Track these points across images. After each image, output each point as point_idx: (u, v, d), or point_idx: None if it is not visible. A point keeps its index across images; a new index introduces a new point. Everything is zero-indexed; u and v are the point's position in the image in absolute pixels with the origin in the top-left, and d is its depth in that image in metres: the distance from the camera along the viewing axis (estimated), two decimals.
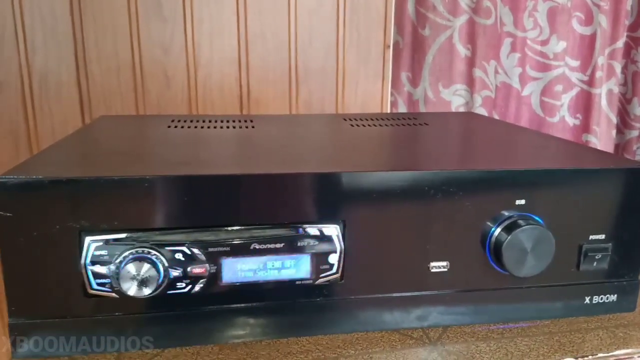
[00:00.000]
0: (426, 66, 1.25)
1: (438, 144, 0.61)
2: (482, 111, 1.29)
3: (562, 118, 1.40)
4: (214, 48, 1.10)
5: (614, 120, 1.42)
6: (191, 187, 0.39)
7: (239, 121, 0.67)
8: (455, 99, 1.28)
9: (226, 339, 0.42)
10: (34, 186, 0.37)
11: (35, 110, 1.10)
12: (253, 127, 0.64)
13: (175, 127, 0.62)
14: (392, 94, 1.26)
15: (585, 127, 1.40)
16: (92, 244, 0.38)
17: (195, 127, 0.63)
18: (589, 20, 1.35)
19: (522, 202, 0.44)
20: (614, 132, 1.43)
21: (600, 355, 0.42)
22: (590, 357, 0.42)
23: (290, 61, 1.14)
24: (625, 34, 1.38)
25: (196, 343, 0.42)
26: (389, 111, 1.20)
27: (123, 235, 0.38)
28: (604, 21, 1.33)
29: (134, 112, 1.11)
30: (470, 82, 1.27)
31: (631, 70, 1.43)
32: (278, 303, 0.42)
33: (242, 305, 0.42)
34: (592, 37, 1.35)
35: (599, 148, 1.38)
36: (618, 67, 1.39)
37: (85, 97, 1.10)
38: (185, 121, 0.66)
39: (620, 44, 1.36)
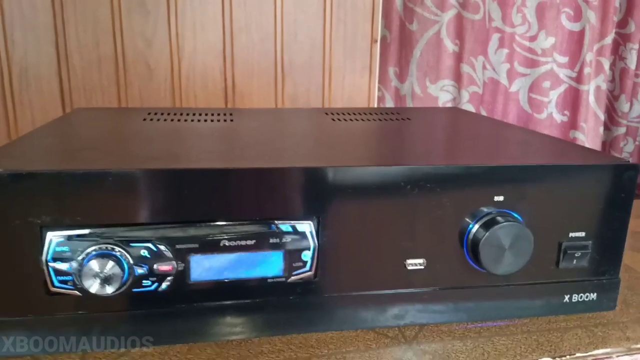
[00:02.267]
0: (413, 61, 1.24)
1: (418, 139, 0.60)
2: (470, 107, 1.28)
3: (550, 114, 1.39)
4: (197, 40, 1.08)
5: (602, 117, 1.42)
6: (157, 182, 0.38)
7: (217, 114, 0.66)
8: (442, 94, 1.27)
9: (195, 338, 0.41)
10: None
11: (15, 102, 1.08)
12: (232, 120, 0.62)
13: (151, 120, 0.61)
14: (379, 89, 1.25)
15: (572, 123, 1.40)
16: (53, 240, 0.37)
17: (172, 120, 0.61)
18: (578, 16, 1.35)
19: (501, 198, 0.43)
20: (601, 128, 1.43)
21: (578, 355, 0.41)
22: (568, 356, 0.41)
23: (275, 54, 1.12)
24: (614, 30, 1.37)
25: (164, 343, 0.41)
26: (376, 106, 1.18)
27: (86, 231, 0.37)
28: (592, 17, 1.33)
29: (116, 105, 1.09)
30: (457, 77, 1.26)
31: (619, 67, 1.42)
32: (249, 302, 0.41)
33: (212, 303, 0.40)
34: (581, 33, 1.35)
35: (586, 144, 1.37)
36: (606, 64, 1.39)
37: (66, 90, 1.08)
38: (162, 114, 0.64)
39: (608, 40, 1.36)
